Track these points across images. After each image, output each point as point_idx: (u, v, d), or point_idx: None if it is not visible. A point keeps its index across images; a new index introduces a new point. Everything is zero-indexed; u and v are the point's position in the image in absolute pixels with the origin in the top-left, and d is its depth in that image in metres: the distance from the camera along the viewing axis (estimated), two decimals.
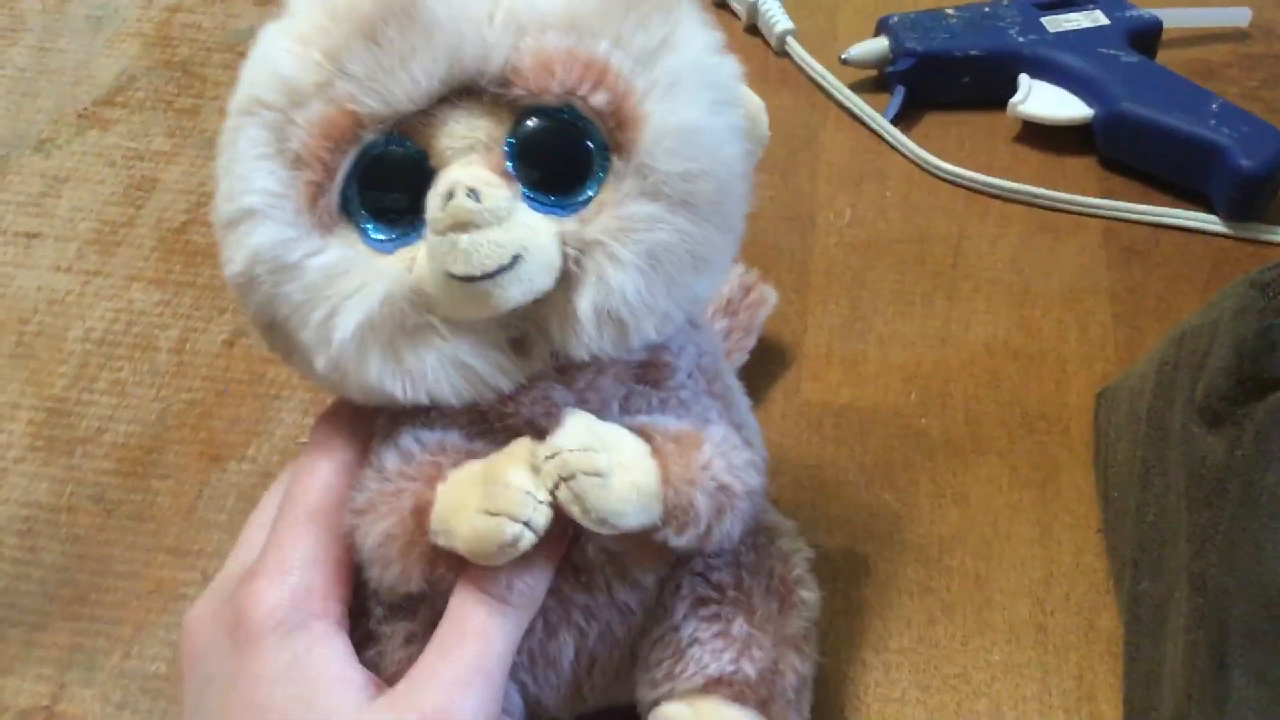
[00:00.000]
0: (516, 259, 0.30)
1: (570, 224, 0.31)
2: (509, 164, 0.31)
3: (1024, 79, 0.61)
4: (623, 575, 0.35)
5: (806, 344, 0.53)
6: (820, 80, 0.65)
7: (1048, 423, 0.50)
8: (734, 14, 0.69)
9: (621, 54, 0.31)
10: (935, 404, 0.51)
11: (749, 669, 0.36)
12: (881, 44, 0.64)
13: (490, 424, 0.34)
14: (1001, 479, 0.48)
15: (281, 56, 0.31)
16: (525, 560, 0.32)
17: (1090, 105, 0.60)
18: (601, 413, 0.33)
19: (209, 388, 0.52)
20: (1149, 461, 0.39)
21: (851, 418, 0.51)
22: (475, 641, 0.32)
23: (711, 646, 0.36)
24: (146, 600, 0.45)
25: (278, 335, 0.33)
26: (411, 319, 0.31)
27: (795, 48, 0.66)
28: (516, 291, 0.30)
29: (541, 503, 0.31)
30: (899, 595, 0.45)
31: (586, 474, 0.31)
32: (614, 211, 0.31)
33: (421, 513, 0.32)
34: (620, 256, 0.31)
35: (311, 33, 0.31)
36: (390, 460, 0.33)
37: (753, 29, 0.69)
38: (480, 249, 0.29)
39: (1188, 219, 0.57)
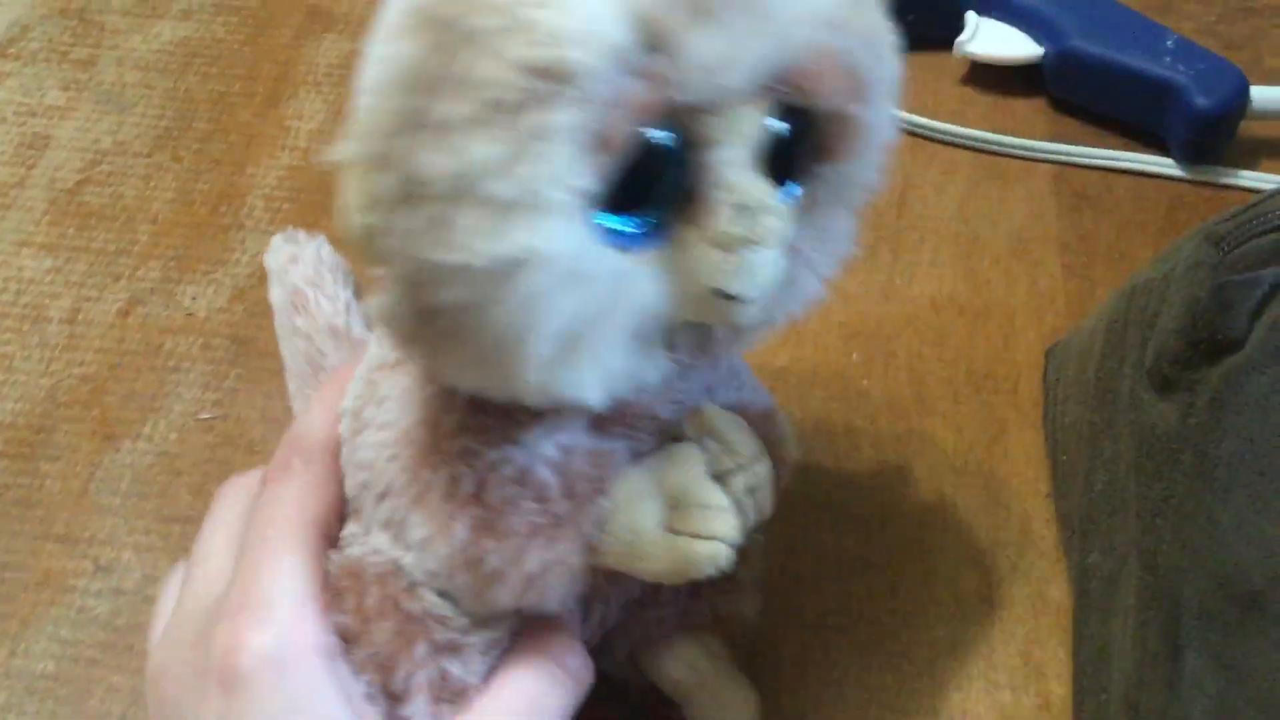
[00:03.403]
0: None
1: None
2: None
3: (971, 16, 0.58)
4: None
5: None
6: None
7: (995, 381, 0.47)
8: None
9: (870, 59, 0.27)
10: (878, 364, 0.48)
11: None
12: None
13: (607, 420, 0.30)
14: (947, 442, 0.46)
15: (595, 8, 0.23)
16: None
17: (1040, 43, 0.56)
18: (702, 398, 0.32)
19: (102, 361, 0.48)
20: (1098, 426, 0.37)
21: (790, 380, 0.48)
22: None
23: None
24: (34, 593, 0.42)
25: (446, 331, 0.25)
26: (645, 327, 0.27)
27: None
28: (759, 309, 0.28)
29: (735, 520, 0.29)
30: (838, 568, 0.42)
31: (765, 485, 0.31)
32: (815, 220, 0.29)
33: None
34: (815, 268, 0.29)
35: None
36: (545, 475, 0.29)
37: None
38: (765, 269, 0.26)
39: (1142, 162, 0.55)
